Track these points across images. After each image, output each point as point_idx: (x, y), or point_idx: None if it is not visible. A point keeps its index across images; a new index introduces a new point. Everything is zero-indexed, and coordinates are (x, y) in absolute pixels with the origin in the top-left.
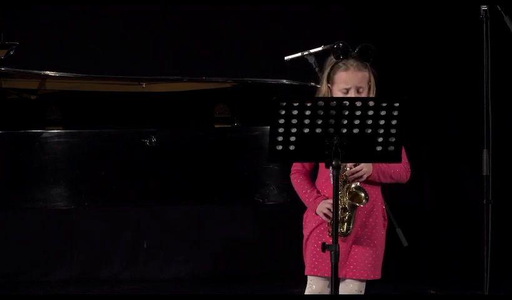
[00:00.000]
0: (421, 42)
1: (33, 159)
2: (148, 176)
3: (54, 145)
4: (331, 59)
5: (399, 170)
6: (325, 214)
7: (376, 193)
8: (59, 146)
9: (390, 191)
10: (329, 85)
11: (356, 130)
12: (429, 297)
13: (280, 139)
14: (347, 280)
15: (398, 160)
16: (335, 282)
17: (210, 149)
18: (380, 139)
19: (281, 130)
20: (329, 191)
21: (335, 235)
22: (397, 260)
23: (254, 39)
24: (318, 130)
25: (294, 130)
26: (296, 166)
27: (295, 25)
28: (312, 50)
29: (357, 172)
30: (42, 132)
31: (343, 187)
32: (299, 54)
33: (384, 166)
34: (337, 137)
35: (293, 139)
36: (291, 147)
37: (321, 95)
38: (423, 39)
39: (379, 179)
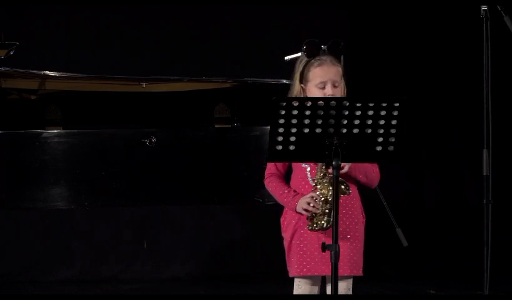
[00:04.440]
0: (421, 42)
1: (33, 159)
2: (148, 176)
3: (54, 145)
4: (302, 58)
5: (373, 171)
6: (305, 209)
7: (352, 190)
8: (59, 146)
9: (390, 191)
10: (302, 85)
11: (356, 130)
12: (429, 297)
13: (280, 139)
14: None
15: (397, 160)
16: (335, 281)
17: (210, 149)
18: (380, 139)
19: (281, 130)
20: (306, 189)
21: (335, 235)
22: (397, 260)
23: (254, 39)
24: (318, 130)
25: (294, 130)
26: (270, 169)
27: (295, 25)
28: None
29: None
30: (42, 132)
31: (323, 179)
32: (299, 54)
33: (360, 164)
34: (337, 137)
35: (293, 139)
36: (291, 147)
37: (294, 95)
38: (423, 39)
39: (355, 173)
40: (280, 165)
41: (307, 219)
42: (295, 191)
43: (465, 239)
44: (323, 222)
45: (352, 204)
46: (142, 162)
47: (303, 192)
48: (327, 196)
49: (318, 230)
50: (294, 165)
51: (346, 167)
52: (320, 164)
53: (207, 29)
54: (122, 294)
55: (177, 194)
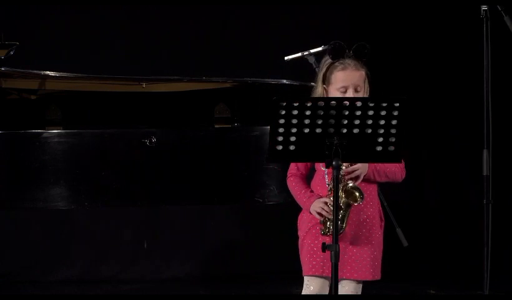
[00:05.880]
0: (421, 42)
1: (33, 159)
2: (148, 176)
3: (54, 145)
4: (327, 60)
5: (395, 169)
6: (318, 213)
7: (372, 193)
8: (59, 146)
9: (390, 191)
10: (325, 86)
11: (356, 130)
12: (429, 297)
13: (280, 139)
14: (343, 281)
15: (398, 160)
16: (335, 282)
17: (210, 149)
18: (380, 139)
19: (281, 130)
20: (323, 190)
21: (335, 235)
22: (397, 260)
23: (254, 39)
24: (318, 130)
25: (294, 130)
26: (291, 170)
27: (295, 25)
28: (312, 50)
29: (353, 171)
30: (42, 132)
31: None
32: (299, 54)
33: (379, 165)
34: (337, 137)
35: (293, 139)
36: (291, 147)
37: (317, 96)
38: (423, 38)
39: (375, 177)
40: (300, 165)
41: (320, 222)
42: (311, 191)
43: (465, 239)
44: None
45: (368, 208)
46: (142, 162)
47: (319, 193)
48: (340, 203)
49: (331, 235)
50: (316, 166)
51: (360, 178)
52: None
53: (207, 29)
54: (122, 294)
55: (177, 194)
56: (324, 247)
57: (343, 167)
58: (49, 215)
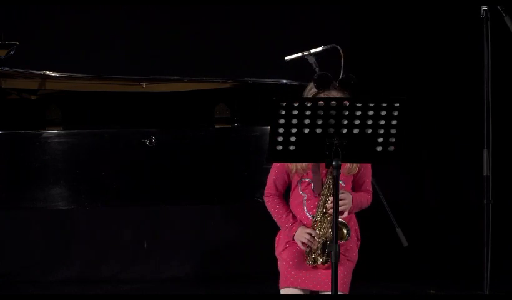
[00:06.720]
0: (421, 42)
1: (33, 159)
2: (148, 176)
3: (54, 145)
4: (312, 88)
5: (368, 202)
6: (303, 243)
7: (350, 223)
8: (59, 146)
9: (390, 191)
10: None
11: (356, 130)
12: (429, 297)
13: (280, 139)
14: (321, 294)
15: (398, 160)
16: (335, 281)
17: (210, 149)
18: (380, 139)
19: (281, 130)
20: (301, 216)
21: (335, 235)
22: (397, 260)
23: (254, 39)
24: (318, 130)
25: (294, 130)
26: (269, 189)
27: (295, 25)
28: (312, 50)
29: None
30: (42, 132)
31: (324, 220)
32: (299, 54)
33: (359, 200)
34: (337, 137)
35: (293, 139)
36: (291, 147)
37: None
38: (423, 38)
39: (353, 211)
40: (279, 185)
41: (305, 253)
42: (293, 217)
43: (465, 239)
44: (320, 260)
45: (351, 230)
46: (142, 162)
47: (298, 218)
48: (325, 237)
49: (317, 265)
50: (293, 187)
51: (345, 213)
52: (320, 202)
53: (207, 29)
54: (122, 294)
55: (177, 194)
56: (325, 247)
57: (329, 202)
58: (48, 215)
